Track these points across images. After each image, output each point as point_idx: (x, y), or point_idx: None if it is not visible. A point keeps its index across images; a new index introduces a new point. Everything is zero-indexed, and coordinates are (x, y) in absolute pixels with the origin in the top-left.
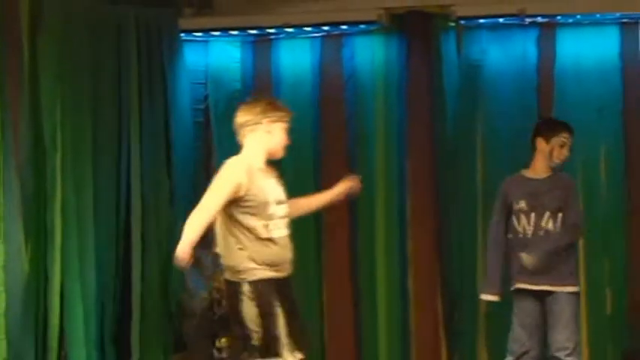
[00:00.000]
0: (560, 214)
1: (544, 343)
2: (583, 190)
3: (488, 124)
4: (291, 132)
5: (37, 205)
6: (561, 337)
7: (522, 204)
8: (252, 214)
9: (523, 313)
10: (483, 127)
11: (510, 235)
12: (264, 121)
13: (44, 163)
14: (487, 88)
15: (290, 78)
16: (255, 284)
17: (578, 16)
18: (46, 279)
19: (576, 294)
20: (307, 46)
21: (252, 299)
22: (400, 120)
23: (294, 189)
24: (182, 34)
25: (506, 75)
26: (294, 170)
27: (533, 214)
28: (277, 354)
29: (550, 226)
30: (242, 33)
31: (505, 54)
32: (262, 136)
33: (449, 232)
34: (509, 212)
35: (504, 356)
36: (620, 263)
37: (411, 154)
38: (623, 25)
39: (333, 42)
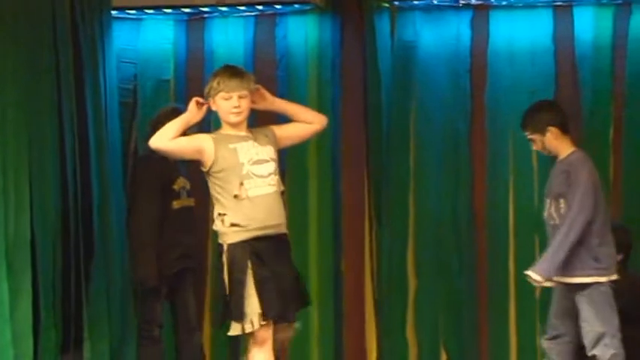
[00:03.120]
0: (561, 201)
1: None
2: (515, 174)
3: (421, 106)
4: None
5: None
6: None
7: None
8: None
9: None
10: (416, 108)
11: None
12: (213, 96)
13: None
14: (420, 70)
15: (223, 57)
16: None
17: None
18: None
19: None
20: (240, 26)
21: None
22: (333, 100)
23: None
24: (114, 12)
25: (440, 57)
26: None
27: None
28: (239, 318)
29: (553, 214)
30: (175, 11)
31: (438, 36)
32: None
33: (381, 212)
34: None
35: (435, 339)
36: None
37: (344, 135)
38: (556, 9)
39: (266, 21)
